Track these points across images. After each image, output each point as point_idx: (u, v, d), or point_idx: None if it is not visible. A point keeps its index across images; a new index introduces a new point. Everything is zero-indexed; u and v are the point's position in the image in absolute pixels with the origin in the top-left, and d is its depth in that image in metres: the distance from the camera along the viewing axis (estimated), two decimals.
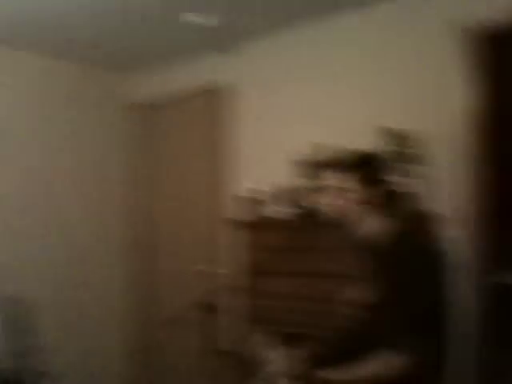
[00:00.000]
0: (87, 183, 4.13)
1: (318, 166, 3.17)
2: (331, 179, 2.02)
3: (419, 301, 1.84)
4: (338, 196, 2.01)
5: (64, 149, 4.01)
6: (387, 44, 3.19)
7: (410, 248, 1.93)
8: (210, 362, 2.01)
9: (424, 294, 1.86)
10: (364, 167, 1.98)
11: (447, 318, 1.99)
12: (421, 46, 3.06)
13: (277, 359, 2.00)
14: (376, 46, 3.24)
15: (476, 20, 2.84)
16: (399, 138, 2.92)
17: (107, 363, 4.12)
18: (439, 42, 2.97)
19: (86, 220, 4.09)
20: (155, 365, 4.09)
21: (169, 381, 3.99)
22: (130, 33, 3.54)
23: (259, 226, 3.24)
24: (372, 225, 2.02)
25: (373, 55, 3.24)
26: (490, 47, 2.89)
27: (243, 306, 3.13)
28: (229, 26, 3.43)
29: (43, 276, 3.78)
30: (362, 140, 2.74)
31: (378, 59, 3.22)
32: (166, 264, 4.11)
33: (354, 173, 1.97)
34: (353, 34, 3.33)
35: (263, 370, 1.96)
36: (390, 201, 2.11)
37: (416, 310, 1.83)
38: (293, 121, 3.53)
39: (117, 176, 4.33)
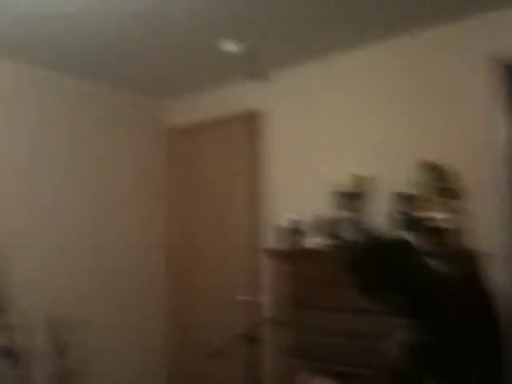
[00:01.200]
0: (126, 207, 4.21)
1: (356, 197, 3.22)
2: None
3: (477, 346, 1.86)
4: None
5: (103, 173, 4.10)
6: (424, 75, 3.22)
7: (468, 290, 1.96)
8: None
9: (483, 337, 1.88)
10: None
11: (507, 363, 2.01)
12: (459, 78, 3.08)
13: None
14: (413, 77, 3.27)
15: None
16: (439, 172, 2.94)
17: None
18: (478, 75, 3.00)
19: (127, 243, 4.16)
20: None
21: None
22: (167, 59, 3.64)
23: (300, 257, 3.29)
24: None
25: (410, 86, 3.27)
26: None
27: (286, 339, 3.17)
28: (260, 54, 3.50)
29: (83, 296, 3.83)
30: (400, 172, 2.77)
31: (415, 90, 3.25)
32: (205, 294, 4.16)
33: None
34: (389, 63, 3.37)
35: None
36: (441, 239, 2.14)
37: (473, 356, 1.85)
38: (331, 149, 3.57)
39: (155, 202, 4.42)
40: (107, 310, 3.98)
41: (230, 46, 3.34)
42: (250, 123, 3.99)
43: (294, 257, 3.34)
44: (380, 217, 3.15)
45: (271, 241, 3.65)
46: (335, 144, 3.55)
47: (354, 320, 2.88)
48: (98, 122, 4.10)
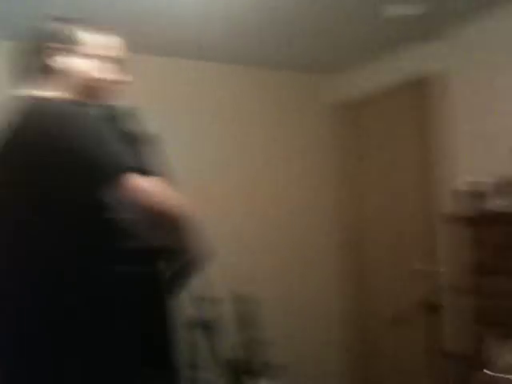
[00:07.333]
0: (295, 184, 4.27)
1: None
2: None
3: None
4: None
5: (270, 153, 4.20)
6: None
7: None
8: (435, 364, 1.95)
9: None
10: None
11: None
12: None
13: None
14: None
15: None
16: None
17: (325, 360, 4.19)
18: None
19: (296, 221, 4.23)
20: (375, 365, 4.07)
21: (390, 382, 3.93)
22: (327, 33, 3.57)
23: (482, 222, 3.05)
24: None
25: None
26: None
27: (468, 307, 2.97)
28: (435, 13, 3.27)
29: (267, 276, 4.00)
30: None
31: None
32: (380, 262, 4.07)
33: None
34: None
35: (491, 368, 1.84)
36: None
37: None
38: None
39: (322, 176, 4.42)
40: (283, 284, 4.09)
41: (396, 9, 3.18)
42: (419, 89, 3.77)
43: (475, 221, 3.10)
44: None
45: (447, 206, 3.44)
46: None
47: None
48: (262, 106, 4.20)
